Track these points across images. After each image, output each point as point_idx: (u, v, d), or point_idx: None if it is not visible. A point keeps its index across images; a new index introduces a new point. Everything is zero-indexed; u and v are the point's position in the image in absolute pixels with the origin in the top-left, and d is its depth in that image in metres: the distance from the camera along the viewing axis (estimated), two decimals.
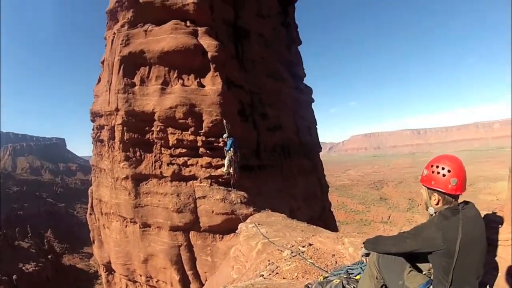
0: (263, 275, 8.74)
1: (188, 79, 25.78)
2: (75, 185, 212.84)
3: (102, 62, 32.38)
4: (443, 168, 3.62)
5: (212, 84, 25.08)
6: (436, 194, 3.71)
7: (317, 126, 47.22)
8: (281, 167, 33.64)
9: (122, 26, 28.39)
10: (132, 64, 26.65)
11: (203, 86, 25.27)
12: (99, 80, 33.05)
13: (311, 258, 9.01)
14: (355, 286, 4.80)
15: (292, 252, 9.83)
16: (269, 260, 10.24)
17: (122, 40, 26.80)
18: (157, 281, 26.85)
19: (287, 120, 36.93)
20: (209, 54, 25.08)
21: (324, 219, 40.79)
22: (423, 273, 3.95)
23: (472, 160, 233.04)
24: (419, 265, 4.00)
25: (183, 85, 25.40)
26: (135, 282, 29.13)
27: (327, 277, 5.76)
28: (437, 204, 3.73)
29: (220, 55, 25.37)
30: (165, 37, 25.68)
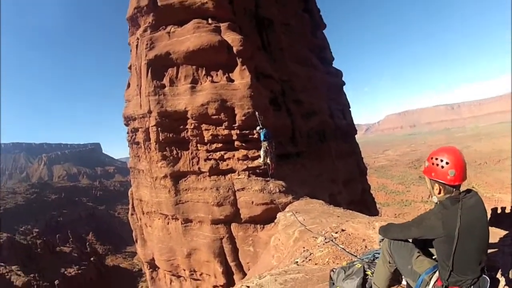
0: (297, 262, 8.90)
1: (217, 75, 26.08)
2: (114, 187, 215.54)
3: (130, 68, 33.06)
4: (441, 160, 3.80)
5: (241, 78, 25.29)
6: (437, 184, 3.89)
7: (350, 109, 47.01)
8: (318, 152, 33.73)
9: (145, 30, 28.99)
10: (160, 66, 27.18)
11: (232, 81, 25.53)
12: (129, 85, 33.73)
13: (342, 243, 9.09)
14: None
15: (325, 239, 9.89)
16: (304, 247, 10.39)
17: (147, 44, 27.38)
18: (200, 274, 27.41)
19: (321, 105, 36.92)
20: (235, 49, 25.30)
21: (365, 201, 40.76)
22: (433, 257, 4.18)
23: (508, 133, 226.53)
24: (431, 249, 4.24)
25: (212, 81, 25.71)
26: (179, 276, 29.84)
27: (353, 262, 6.03)
28: (439, 193, 3.91)
29: (245, 48, 25.56)
30: (189, 37, 26.06)
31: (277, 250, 14.24)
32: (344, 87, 46.83)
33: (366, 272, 5.10)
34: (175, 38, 26.94)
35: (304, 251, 9.95)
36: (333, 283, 5.37)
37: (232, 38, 25.58)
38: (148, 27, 28.88)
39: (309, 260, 8.83)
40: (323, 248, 9.26)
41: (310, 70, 36.79)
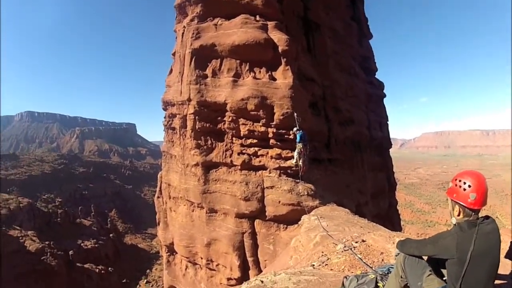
0: (313, 265, 9.02)
1: (260, 72, 26.26)
2: (144, 169, 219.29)
3: (173, 54, 33.49)
4: (464, 183, 3.87)
5: (284, 77, 25.36)
6: (457, 206, 3.97)
7: (388, 122, 46.67)
8: (351, 161, 33.65)
9: (192, 20, 29.46)
10: (204, 56, 27.56)
11: (275, 79, 25.62)
12: (171, 71, 34.25)
13: (361, 253, 9.13)
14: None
15: (345, 247, 9.90)
16: (322, 252, 10.42)
17: (193, 33, 27.82)
18: (217, 265, 27.63)
19: (359, 115, 36.88)
20: (280, 48, 25.40)
21: (390, 216, 40.46)
22: (443, 278, 4.22)
23: None
24: (443, 270, 4.25)
25: (254, 77, 25.91)
26: (195, 264, 30.19)
27: (367, 272, 6.12)
28: (459, 215, 3.99)
29: (290, 49, 25.62)
30: (236, 31, 26.32)
31: (296, 251, 14.28)
32: (384, 99, 46.39)
33: (378, 284, 5.22)
34: (222, 30, 27.27)
35: (322, 255, 10.04)
36: None
37: (279, 37, 25.70)
38: (195, 17, 29.38)
39: (326, 265, 8.96)
40: (341, 255, 9.34)
41: (353, 78, 36.69)
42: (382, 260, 8.70)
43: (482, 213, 3.91)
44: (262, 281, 6.68)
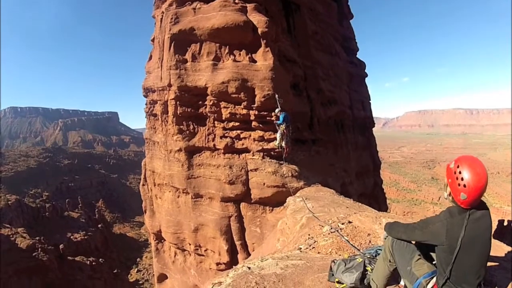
0: (300, 248, 9.00)
1: (240, 54, 25.98)
2: (128, 157, 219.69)
3: (153, 40, 33.17)
4: (462, 179, 3.58)
5: (264, 59, 25.17)
6: (449, 189, 3.77)
7: (370, 101, 47.03)
8: (334, 141, 33.80)
9: (170, 5, 29.04)
10: (183, 41, 27.21)
11: (255, 62, 25.40)
12: (150, 57, 33.92)
13: (347, 235, 9.12)
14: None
15: (331, 228, 9.86)
16: (309, 235, 10.38)
17: (171, 18, 27.40)
18: (205, 250, 27.73)
19: (341, 94, 37.00)
20: (259, 30, 25.14)
21: (375, 195, 40.89)
22: (434, 262, 4.16)
23: None
24: (433, 254, 4.19)
25: (234, 60, 25.65)
26: (183, 250, 30.28)
27: (354, 255, 6.09)
28: (449, 195, 3.79)
29: (270, 30, 25.39)
30: (214, 15, 25.97)
31: (283, 234, 14.33)
32: (366, 79, 46.59)
33: (366, 268, 5.14)
34: (201, 14, 26.86)
35: (309, 238, 10.01)
36: (332, 274, 5.45)
37: (258, 19, 25.40)
38: (174, 2, 28.93)
39: (313, 248, 8.93)
40: (328, 237, 9.34)
41: (334, 58, 36.69)
42: (369, 241, 8.69)
43: None
44: (249, 268, 6.61)
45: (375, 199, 40.51)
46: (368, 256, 5.56)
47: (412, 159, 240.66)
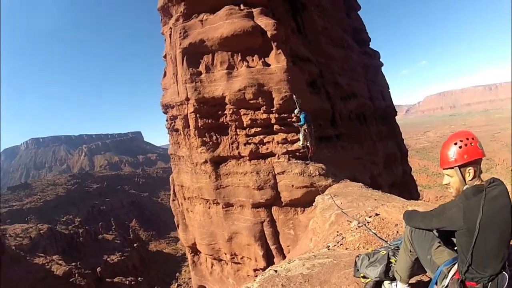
0: (329, 246, 8.94)
1: (253, 60, 26.06)
2: (157, 174, 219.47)
3: (165, 57, 33.58)
4: (467, 139, 3.62)
5: (277, 62, 25.16)
6: (471, 168, 3.65)
7: (389, 90, 46.57)
8: (358, 134, 33.65)
9: (177, 20, 29.36)
10: (195, 54, 27.37)
11: (269, 65, 25.44)
12: (165, 74, 34.36)
13: (375, 228, 9.01)
14: None
15: (358, 223, 9.78)
16: (337, 231, 10.35)
17: (180, 33, 27.60)
18: (241, 258, 27.76)
19: (360, 87, 36.83)
20: (268, 33, 25.17)
21: (406, 184, 40.47)
22: (455, 248, 3.94)
23: None
24: (454, 239, 4.00)
25: (248, 66, 25.73)
26: (220, 260, 30.36)
27: (378, 248, 5.97)
28: (473, 177, 3.66)
29: (279, 32, 25.37)
30: (222, 24, 26.12)
31: (315, 233, 14.26)
32: (382, 68, 46.20)
33: (390, 260, 5.02)
34: (208, 25, 27.07)
35: (337, 235, 9.96)
36: (357, 269, 5.38)
37: (265, 23, 25.47)
38: (180, 16, 29.24)
39: (341, 244, 8.85)
40: (356, 232, 9.23)
41: (347, 52, 36.54)
42: (397, 232, 8.58)
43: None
44: (276, 271, 6.61)
45: (406, 187, 40.05)
46: (393, 248, 5.42)
47: (438, 143, 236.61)
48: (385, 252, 5.16)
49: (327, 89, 30.61)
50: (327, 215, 13.82)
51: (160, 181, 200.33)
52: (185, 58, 27.47)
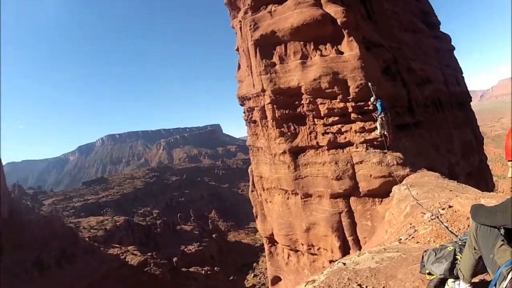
0: (400, 239, 8.71)
1: (325, 48, 25.77)
2: (236, 166, 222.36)
3: (237, 50, 34.11)
4: None
5: (350, 49, 24.71)
6: None
7: (463, 75, 44.32)
8: (435, 121, 32.29)
9: (246, 12, 29.64)
10: (267, 45, 27.64)
11: (342, 53, 25.05)
12: (239, 67, 34.84)
13: (447, 221, 8.60)
14: None
15: (431, 215, 9.40)
16: (411, 224, 10.00)
17: (250, 25, 27.98)
18: (318, 249, 27.70)
19: (433, 72, 35.36)
20: (338, 21, 24.81)
21: (482, 173, 38.33)
22: None
23: None
24: None
25: (321, 55, 25.46)
26: (296, 251, 30.44)
27: (446, 244, 5.64)
28: None
29: (349, 19, 24.91)
30: (291, 14, 26.07)
31: (390, 225, 13.85)
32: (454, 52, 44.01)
33: (457, 256, 4.76)
34: (277, 16, 27.13)
35: (410, 227, 9.64)
36: (423, 265, 5.16)
37: (334, 10, 25.11)
38: (248, 9, 29.55)
39: (412, 237, 8.61)
40: (428, 225, 8.88)
41: (417, 35, 35.40)
42: (468, 226, 8.13)
43: None
44: (344, 263, 6.59)
45: (483, 177, 37.95)
46: (460, 243, 5.14)
47: None
48: (452, 248, 4.91)
49: (401, 75, 29.63)
50: (402, 206, 13.45)
51: (240, 172, 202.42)
52: (257, 50, 27.81)
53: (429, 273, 5.07)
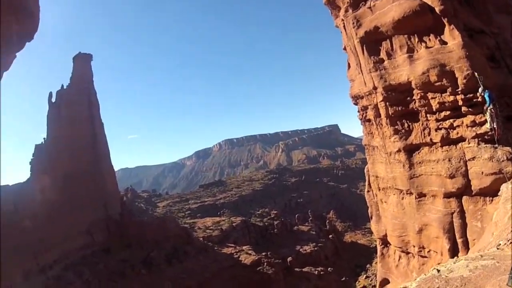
0: (499, 245, 8.23)
1: (429, 39, 24.87)
2: (356, 165, 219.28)
3: (344, 49, 33.86)
4: None
5: (452, 38, 23.58)
6: None
7: None
8: None
9: (346, 10, 29.55)
10: (372, 41, 27.42)
11: (445, 43, 24.01)
12: (349, 66, 34.68)
13: None
14: None
15: None
16: None
17: (353, 23, 27.93)
18: (428, 251, 26.86)
19: None
20: (436, 9, 23.64)
21: None
22: None
23: None
24: None
25: (426, 47, 24.62)
26: (407, 253, 29.72)
27: None
28: None
29: (446, 6, 23.54)
30: (390, 7, 25.54)
31: (497, 227, 12.95)
32: None
33: None
34: (378, 11, 26.70)
35: (510, 232, 9.01)
36: (511, 277, 4.87)
37: None
38: (348, 7, 29.42)
39: (511, 243, 8.06)
40: None
41: None
42: None
43: None
44: (438, 270, 6.54)
45: None
46: None
47: None
48: None
49: (506, 62, 27.07)
50: (508, 207, 12.54)
51: (359, 172, 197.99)
52: (364, 47, 27.76)
53: None
